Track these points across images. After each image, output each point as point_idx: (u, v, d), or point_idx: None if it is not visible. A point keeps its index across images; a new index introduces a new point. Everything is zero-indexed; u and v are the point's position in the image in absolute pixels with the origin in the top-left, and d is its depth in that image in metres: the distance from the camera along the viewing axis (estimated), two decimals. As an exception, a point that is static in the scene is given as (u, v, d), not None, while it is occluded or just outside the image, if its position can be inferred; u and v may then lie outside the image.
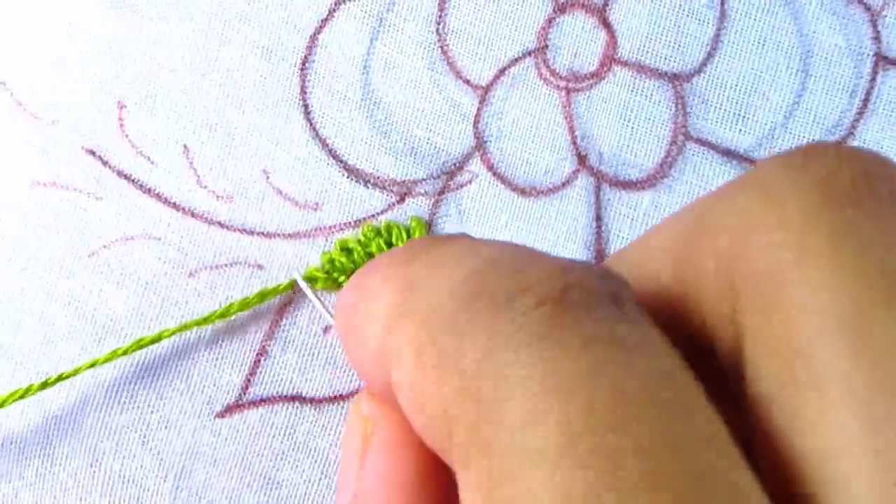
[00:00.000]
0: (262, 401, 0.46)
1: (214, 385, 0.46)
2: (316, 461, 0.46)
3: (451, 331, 0.23)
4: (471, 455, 0.22)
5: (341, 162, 0.45)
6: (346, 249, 0.45)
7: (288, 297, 0.46)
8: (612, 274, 0.24)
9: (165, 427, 0.46)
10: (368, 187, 0.45)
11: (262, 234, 0.46)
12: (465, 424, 0.22)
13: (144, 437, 0.46)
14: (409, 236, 0.45)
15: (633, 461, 0.20)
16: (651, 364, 0.22)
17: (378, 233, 0.45)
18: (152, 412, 0.46)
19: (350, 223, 0.46)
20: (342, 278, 0.45)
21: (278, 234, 0.46)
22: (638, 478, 0.20)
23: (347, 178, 0.45)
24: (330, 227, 0.46)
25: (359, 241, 0.45)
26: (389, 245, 0.45)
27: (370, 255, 0.45)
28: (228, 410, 0.46)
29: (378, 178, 0.45)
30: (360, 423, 0.30)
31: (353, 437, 0.30)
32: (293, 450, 0.46)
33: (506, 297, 0.23)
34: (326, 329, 0.46)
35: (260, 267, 0.46)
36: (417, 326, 0.25)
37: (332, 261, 0.45)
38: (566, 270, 0.24)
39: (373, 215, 0.45)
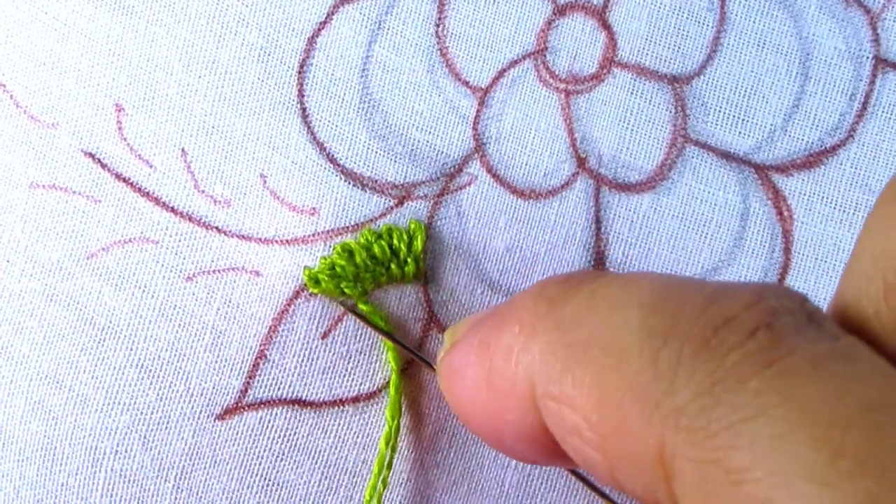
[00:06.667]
0: (262, 403, 0.46)
1: (214, 388, 0.46)
2: (316, 463, 0.46)
3: (650, 369, 0.24)
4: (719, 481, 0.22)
5: (339, 166, 0.45)
6: (347, 251, 0.45)
7: (286, 303, 0.46)
8: (797, 293, 0.25)
9: (165, 428, 0.46)
10: (366, 191, 0.45)
11: (260, 240, 0.46)
12: (691, 458, 0.23)
13: (144, 437, 0.46)
14: (409, 239, 0.45)
15: None
16: (876, 371, 0.22)
17: (379, 236, 0.45)
18: (152, 413, 0.46)
19: (348, 228, 0.45)
20: (345, 283, 0.45)
21: (276, 240, 0.46)
22: None
23: (345, 182, 0.45)
24: (328, 233, 0.45)
25: (360, 244, 0.45)
26: (391, 248, 0.45)
27: (373, 259, 0.45)
28: (228, 413, 0.46)
29: (376, 181, 0.45)
30: None
31: None
32: (293, 451, 0.46)
33: (711, 331, 0.23)
34: (325, 335, 0.46)
35: (257, 273, 0.46)
36: (598, 367, 0.25)
37: (332, 266, 0.45)
38: (762, 295, 0.24)
39: (371, 219, 0.45)
